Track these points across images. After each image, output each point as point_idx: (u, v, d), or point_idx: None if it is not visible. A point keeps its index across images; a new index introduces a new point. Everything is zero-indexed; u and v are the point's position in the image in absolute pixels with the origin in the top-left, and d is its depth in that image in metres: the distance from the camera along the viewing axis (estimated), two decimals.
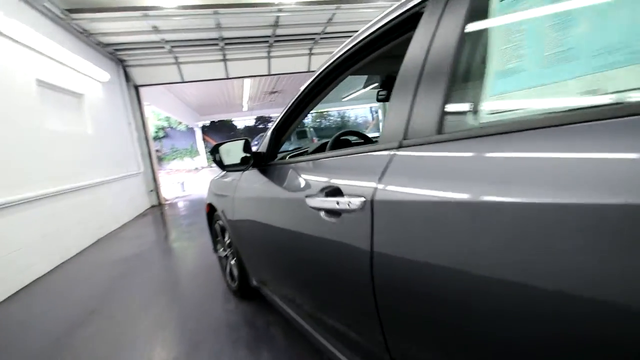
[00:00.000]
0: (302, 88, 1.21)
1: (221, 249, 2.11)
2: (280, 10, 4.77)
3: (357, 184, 0.76)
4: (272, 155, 1.39)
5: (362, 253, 0.71)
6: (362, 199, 0.71)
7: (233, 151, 1.34)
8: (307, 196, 0.94)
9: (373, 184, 0.70)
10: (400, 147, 0.68)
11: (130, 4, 4.13)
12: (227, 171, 1.55)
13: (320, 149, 1.58)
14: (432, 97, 0.64)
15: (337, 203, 0.78)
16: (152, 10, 4.31)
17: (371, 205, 0.69)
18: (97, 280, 2.70)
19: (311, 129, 13.37)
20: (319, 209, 0.88)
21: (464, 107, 0.63)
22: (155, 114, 16.82)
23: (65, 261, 3.31)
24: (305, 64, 6.99)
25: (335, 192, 0.83)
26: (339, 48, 1.05)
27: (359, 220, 0.72)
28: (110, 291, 2.40)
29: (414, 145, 0.65)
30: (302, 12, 4.97)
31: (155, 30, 4.95)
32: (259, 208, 1.34)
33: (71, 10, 4.05)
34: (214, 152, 1.33)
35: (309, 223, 0.94)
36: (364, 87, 9.52)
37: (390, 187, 0.66)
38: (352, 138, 1.78)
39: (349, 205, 0.75)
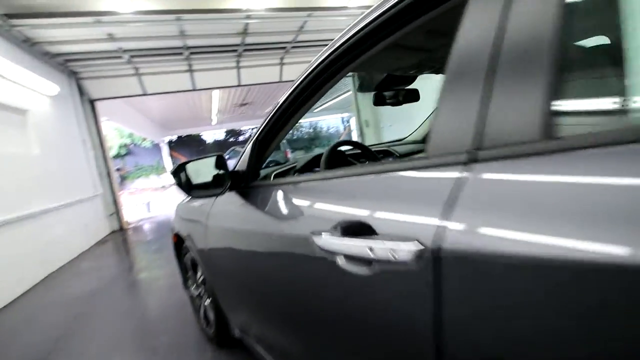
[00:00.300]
0: (291, 89, 0.95)
1: (193, 286, 1.77)
2: (248, 17, 4.52)
3: (401, 219, 0.50)
4: (254, 173, 1.11)
5: (418, 322, 0.46)
6: (417, 245, 0.45)
7: (203, 171, 1.05)
8: (313, 233, 0.67)
9: (434, 221, 0.44)
10: (472, 161, 0.44)
11: (80, 8, 3.71)
12: (195, 197, 1.25)
13: (312, 163, 1.31)
14: (527, 84, 0.39)
15: (371, 249, 0.52)
16: (106, 16, 3.91)
17: (435, 255, 0.43)
18: (38, 334, 2.23)
19: (284, 141, 13.08)
20: (335, 253, 0.61)
21: (596, 97, 0.39)
22: (119, 130, 15.87)
23: None
24: (276, 74, 6.74)
25: (360, 229, 0.57)
26: (335, 39, 0.82)
27: (410, 276, 0.47)
28: (54, 348, 1.96)
29: (504, 159, 0.41)
30: (272, 19, 4.75)
31: (111, 38, 4.53)
32: (241, 243, 1.05)
33: (10, 16, 3.57)
34: (177, 173, 1.02)
35: (319, 271, 0.67)
36: (335, 95, 9.44)
37: (470, 228, 0.40)
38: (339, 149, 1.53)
39: (392, 254, 0.48)
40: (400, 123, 6.81)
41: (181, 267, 1.88)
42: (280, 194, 0.89)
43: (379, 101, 1.38)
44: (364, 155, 1.51)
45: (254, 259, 0.97)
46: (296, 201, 0.81)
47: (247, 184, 1.10)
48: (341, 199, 0.66)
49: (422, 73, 1.42)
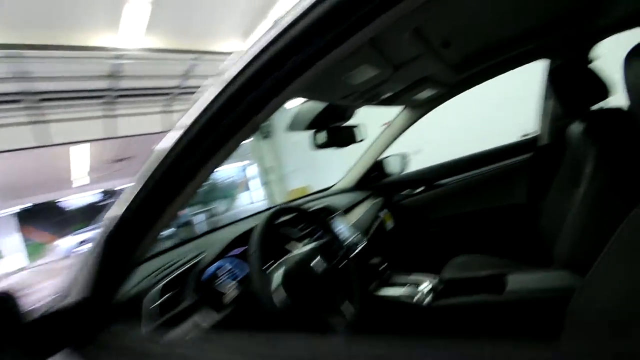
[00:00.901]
0: (180, 135, 0.47)
1: None
2: (119, 57, 3.76)
3: None
4: (105, 307, 0.52)
5: None
6: None
7: None
8: None
9: None
10: None
11: None
12: None
13: (232, 246, 0.77)
14: None
15: None
16: None
17: None
18: None
19: None
20: None
21: None
22: None
23: None
24: (159, 124, 5.85)
25: None
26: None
27: None
28: None
29: None
30: (152, 60, 4.09)
31: None
32: None
33: None
34: None
35: None
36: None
37: None
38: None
39: None
40: (303, 168, 6.66)
41: None
42: None
43: (323, 142, 0.95)
44: (304, 219, 1.04)
45: None
46: None
47: (93, 334, 0.49)
48: None
49: (368, 104, 1.08)
